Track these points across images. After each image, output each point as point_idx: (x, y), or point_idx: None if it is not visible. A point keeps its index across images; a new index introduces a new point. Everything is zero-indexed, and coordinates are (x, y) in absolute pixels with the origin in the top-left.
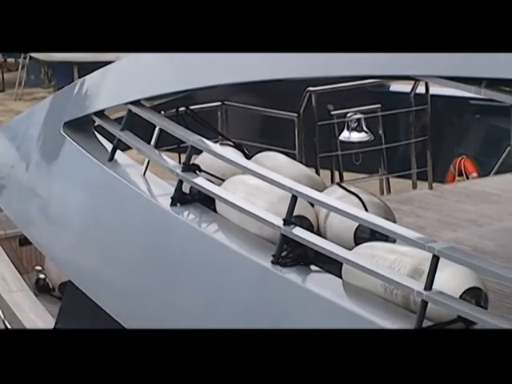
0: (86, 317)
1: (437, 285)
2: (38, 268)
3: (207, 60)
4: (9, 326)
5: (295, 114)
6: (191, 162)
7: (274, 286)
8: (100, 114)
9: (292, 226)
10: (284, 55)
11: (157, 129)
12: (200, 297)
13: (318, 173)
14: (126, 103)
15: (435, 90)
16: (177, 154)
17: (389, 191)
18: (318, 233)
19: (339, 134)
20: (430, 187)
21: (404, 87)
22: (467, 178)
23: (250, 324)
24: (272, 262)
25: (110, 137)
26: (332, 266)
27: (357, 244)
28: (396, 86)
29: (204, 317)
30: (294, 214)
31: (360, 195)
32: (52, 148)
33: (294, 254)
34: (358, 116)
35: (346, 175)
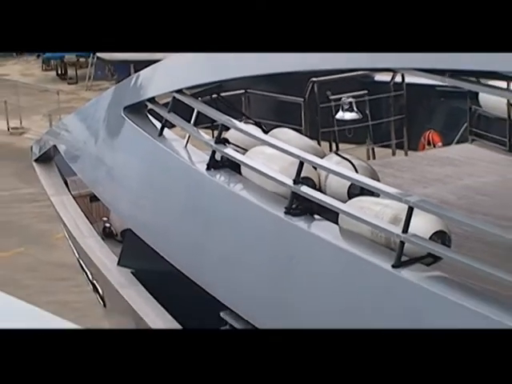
0: (141, 256)
1: (411, 229)
2: (105, 219)
3: (234, 57)
4: (83, 264)
5: (301, 99)
6: (222, 137)
7: (287, 231)
8: (151, 100)
9: (300, 185)
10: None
11: (195, 111)
12: (229, 238)
13: (319, 144)
14: (172, 91)
15: (409, 79)
16: (210, 131)
17: (374, 157)
18: (320, 190)
19: (335, 114)
20: (406, 154)
21: (385, 77)
22: (434, 146)
23: (268, 259)
24: (285, 213)
25: (159, 118)
26: (331, 215)
27: (350, 198)
28: (379, 77)
29: (231, 253)
30: (301, 175)
31: (352, 161)
32: (114, 127)
33: (301, 207)
34: (350, 100)
35: (340, 146)
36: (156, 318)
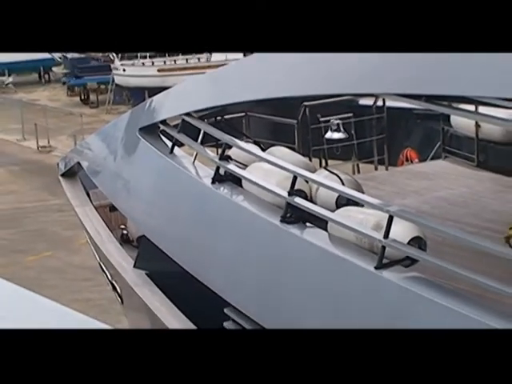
0: (155, 259)
1: (392, 235)
2: (122, 226)
3: (236, 84)
4: (103, 267)
5: (295, 121)
6: (225, 154)
7: (282, 237)
8: (163, 122)
9: (294, 196)
10: (287, 81)
11: (201, 132)
12: (231, 243)
13: (310, 160)
14: (181, 114)
15: (390, 103)
16: (215, 149)
17: (358, 172)
18: (311, 201)
19: (325, 134)
20: (387, 169)
21: (368, 102)
22: (412, 162)
23: (265, 261)
24: (280, 221)
25: (170, 137)
26: (321, 223)
27: (337, 208)
28: (363, 101)
29: (233, 256)
30: (295, 188)
31: (339, 175)
32: (131, 145)
33: (295, 216)
34: (338, 121)
35: (329, 162)
36: (167, 314)
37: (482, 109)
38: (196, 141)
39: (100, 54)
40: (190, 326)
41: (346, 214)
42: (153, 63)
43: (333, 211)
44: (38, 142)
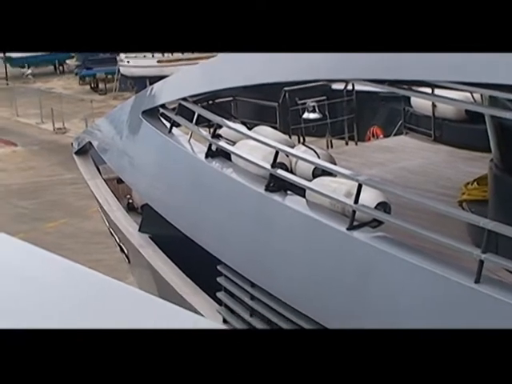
0: (157, 224)
1: (361, 200)
2: (128, 196)
3: (225, 72)
4: (112, 231)
5: (276, 103)
6: (216, 133)
7: (266, 203)
8: (163, 106)
9: (276, 169)
10: (272, 67)
11: (196, 114)
12: (223, 209)
13: (290, 137)
14: (178, 99)
15: (358, 87)
16: (208, 128)
17: (332, 147)
18: (291, 172)
19: (302, 115)
20: (356, 144)
21: (339, 86)
22: (377, 138)
23: (252, 224)
24: (265, 190)
25: (168, 119)
26: (299, 191)
27: (314, 178)
28: (335, 86)
29: (224, 220)
30: (277, 161)
31: (315, 149)
32: (135, 126)
33: (277, 185)
34: (313, 104)
35: (306, 138)
36: (169, 271)
37: (437, 91)
38: (191, 122)
39: None
40: (187, 281)
41: (321, 183)
42: (153, 55)
43: (310, 181)
44: (54, 125)
